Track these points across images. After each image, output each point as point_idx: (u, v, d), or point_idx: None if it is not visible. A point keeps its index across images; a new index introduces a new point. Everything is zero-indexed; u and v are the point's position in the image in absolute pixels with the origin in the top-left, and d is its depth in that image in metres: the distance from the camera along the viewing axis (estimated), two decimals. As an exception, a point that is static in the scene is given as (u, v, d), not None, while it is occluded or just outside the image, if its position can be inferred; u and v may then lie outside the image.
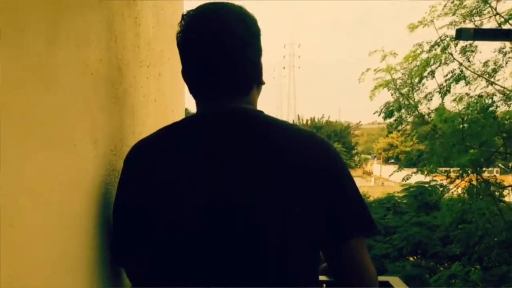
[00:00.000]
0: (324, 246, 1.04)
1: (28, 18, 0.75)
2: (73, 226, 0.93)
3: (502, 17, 6.78)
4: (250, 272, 0.96)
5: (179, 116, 2.07)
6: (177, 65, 1.95)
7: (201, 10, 1.08)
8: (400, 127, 8.18)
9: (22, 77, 0.73)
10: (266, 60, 1.15)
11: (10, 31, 0.69)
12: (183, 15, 1.08)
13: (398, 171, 8.88)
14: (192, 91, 1.11)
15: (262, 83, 1.15)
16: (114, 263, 1.12)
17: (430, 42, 7.32)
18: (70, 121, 0.90)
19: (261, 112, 1.08)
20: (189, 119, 1.10)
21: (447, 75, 7.24)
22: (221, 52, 1.04)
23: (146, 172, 1.03)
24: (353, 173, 1.09)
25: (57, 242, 0.85)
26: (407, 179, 8.23)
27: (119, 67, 1.21)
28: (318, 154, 1.02)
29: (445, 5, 7.22)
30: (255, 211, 0.96)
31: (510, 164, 8.12)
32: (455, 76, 7.15)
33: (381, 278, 1.62)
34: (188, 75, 1.10)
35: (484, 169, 7.31)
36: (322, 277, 1.33)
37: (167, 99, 1.84)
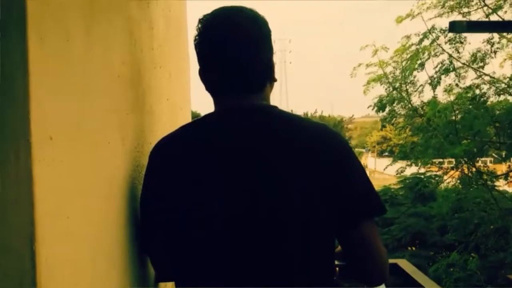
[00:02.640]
0: (339, 231, 1.11)
1: (71, 27, 0.82)
2: (110, 218, 1.00)
3: (490, 8, 6.88)
4: (273, 261, 1.04)
5: (187, 113, 2.15)
6: (184, 65, 2.03)
7: (217, 14, 1.15)
8: (393, 121, 8.25)
9: (68, 83, 0.80)
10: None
11: (59, 41, 0.76)
12: (199, 19, 1.15)
13: (392, 165, 8.93)
14: (210, 90, 1.18)
15: (275, 80, 1.22)
16: (141, 252, 1.19)
17: (419, 34, 7.39)
18: (104, 121, 0.98)
19: (275, 107, 1.15)
20: (210, 116, 1.16)
21: (436, 66, 7.31)
22: (236, 54, 1.10)
23: (171, 166, 1.10)
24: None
25: (98, 233, 0.92)
26: (402, 171, 8.32)
27: (138, 69, 1.28)
28: (332, 146, 1.10)
29: None
30: (277, 201, 1.03)
31: (503, 153, 8.23)
32: (444, 67, 7.22)
33: (390, 261, 1.70)
34: (205, 75, 1.17)
35: (478, 159, 7.41)
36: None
37: (176, 98, 1.91)
